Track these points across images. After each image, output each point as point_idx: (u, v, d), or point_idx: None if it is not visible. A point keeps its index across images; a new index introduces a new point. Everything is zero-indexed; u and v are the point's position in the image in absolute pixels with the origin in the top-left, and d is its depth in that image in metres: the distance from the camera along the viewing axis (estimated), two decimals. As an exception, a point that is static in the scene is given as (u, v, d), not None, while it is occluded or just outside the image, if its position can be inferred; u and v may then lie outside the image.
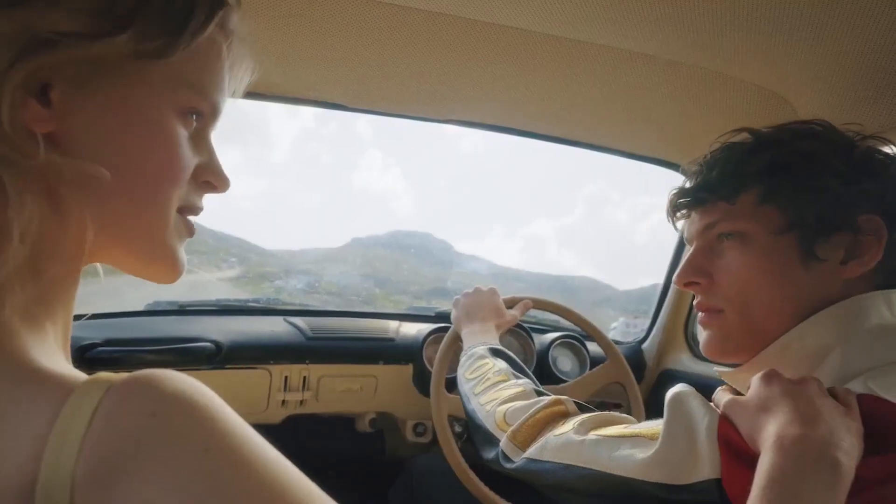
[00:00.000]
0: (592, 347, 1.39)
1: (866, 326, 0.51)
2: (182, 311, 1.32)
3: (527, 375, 0.85)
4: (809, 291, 0.54)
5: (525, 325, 1.38)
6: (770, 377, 0.48)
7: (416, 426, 1.34)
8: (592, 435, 0.57)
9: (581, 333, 1.40)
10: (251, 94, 1.06)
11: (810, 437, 0.40)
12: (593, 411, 0.65)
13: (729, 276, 0.58)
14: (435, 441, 1.17)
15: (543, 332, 1.45)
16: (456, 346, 1.11)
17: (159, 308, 1.33)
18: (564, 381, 1.23)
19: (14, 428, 0.28)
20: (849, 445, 0.40)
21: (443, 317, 1.45)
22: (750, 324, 0.57)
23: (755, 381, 0.49)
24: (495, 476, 0.90)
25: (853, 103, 0.78)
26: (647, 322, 1.54)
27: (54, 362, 0.32)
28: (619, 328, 2.01)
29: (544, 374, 1.32)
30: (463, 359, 0.98)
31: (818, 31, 0.67)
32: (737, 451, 0.45)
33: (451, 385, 1.20)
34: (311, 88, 1.03)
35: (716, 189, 0.60)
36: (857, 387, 0.47)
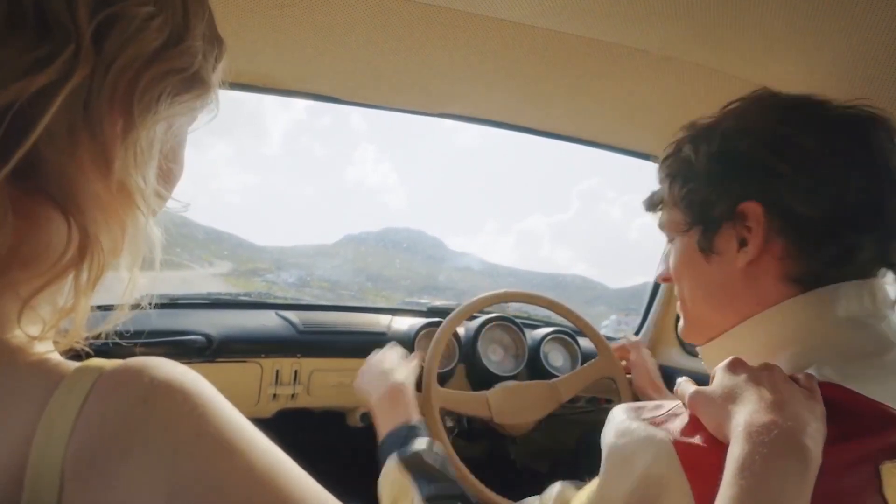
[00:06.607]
0: (584, 343, 1.40)
1: (824, 320, 0.52)
2: (173, 304, 1.31)
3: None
4: (716, 283, 0.58)
5: (517, 320, 1.38)
6: (734, 365, 0.48)
7: (407, 420, 1.33)
8: None
9: (573, 329, 1.40)
10: (243, 86, 1.05)
11: (777, 423, 0.41)
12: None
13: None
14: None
15: (535, 327, 1.45)
16: (448, 340, 1.11)
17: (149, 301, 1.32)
18: (556, 377, 1.23)
19: (4, 413, 0.28)
20: (814, 430, 0.41)
21: (435, 311, 1.45)
22: (686, 312, 0.64)
23: (719, 370, 0.49)
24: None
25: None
26: (639, 320, 1.54)
27: (46, 350, 0.32)
28: (611, 325, 2.03)
29: (536, 369, 1.33)
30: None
31: (806, 29, 0.68)
32: (699, 463, 0.44)
33: (443, 379, 1.20)
34: (304, 80, 1.02)
35: (651, 198, 0.67)
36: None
